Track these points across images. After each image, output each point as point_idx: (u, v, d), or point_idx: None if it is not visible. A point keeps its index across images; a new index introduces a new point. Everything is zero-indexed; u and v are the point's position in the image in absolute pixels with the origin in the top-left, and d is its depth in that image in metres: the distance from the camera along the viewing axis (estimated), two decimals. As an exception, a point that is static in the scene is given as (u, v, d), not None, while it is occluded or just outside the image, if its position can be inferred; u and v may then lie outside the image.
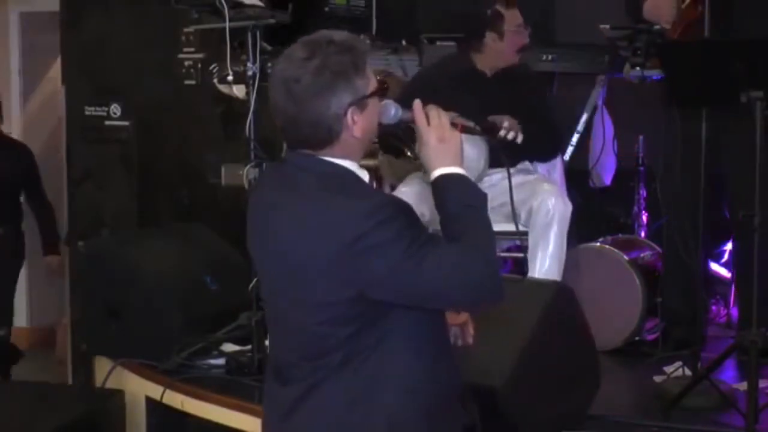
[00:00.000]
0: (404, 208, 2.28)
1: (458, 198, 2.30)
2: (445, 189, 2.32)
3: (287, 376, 2.41)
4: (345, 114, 2.28)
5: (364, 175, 2.37)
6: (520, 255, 4.57)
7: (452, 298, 2.27)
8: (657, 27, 4.19)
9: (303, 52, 2.29)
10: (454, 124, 2.37)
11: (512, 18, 4.38)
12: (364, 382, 2.32)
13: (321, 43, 2.29)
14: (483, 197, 2.33)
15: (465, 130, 2.43)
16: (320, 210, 2.28)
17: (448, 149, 2.32)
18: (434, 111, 2.34)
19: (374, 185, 2.44)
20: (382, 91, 2.35)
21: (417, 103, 2.35)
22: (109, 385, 4.38)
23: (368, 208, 2.24)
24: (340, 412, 2.34)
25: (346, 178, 2.33)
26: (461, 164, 2.32)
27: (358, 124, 2.30)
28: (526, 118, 4.17)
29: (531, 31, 4.44)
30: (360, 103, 2.30)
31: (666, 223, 4.26)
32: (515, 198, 3.98)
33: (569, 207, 4.28)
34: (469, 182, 2.33)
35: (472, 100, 4.24)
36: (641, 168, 5.06)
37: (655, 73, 4.26)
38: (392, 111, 2.37)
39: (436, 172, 2.32)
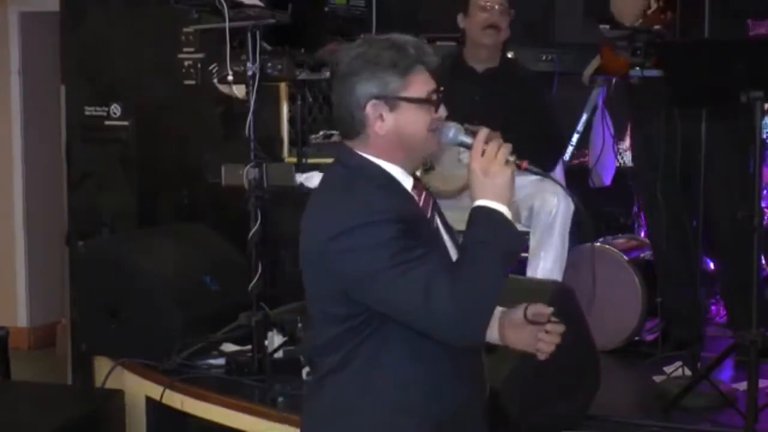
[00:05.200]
0: (408, 219, 2.24)
1: (477, 233, 2.24)
2: (472, 220, 2.28)
3: (313, 368, 2.47)
4: (365, 104, 2.28)
5: (405, 180, 2.35)
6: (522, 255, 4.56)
7: (411, 320, 2.22)
8: (656, 27, 4.20)
9: (359, 41, 2.34)
10: (517, 165, 2.30)
11: None
12: (357, 389, 2.31)
13: (379, 37, 2.33)
14: (506, 240, 2.24)
15: (523, 168, 2.33)
16: (323, 200, 2.31)
17: (490, 184, 2.26)
18: (494, 144, 2.28)
19: (423, 195, 2.37)
20: (423, 102, 2.30)
21: (483, 131, 2.32)
22: (109, 385, 4.38)
23: (365, 206, 2.23)
24: (332, 413, 2.35)
25: (370, 175, 2.31)
26: (503, 201, 2.25)
27: (385, 123, 2.29)
28: (518, 120, 4.16)
29: (512, 17, 4.37)
30: (389, 101, 2.29)
31: (666, 223, 4.26)
32: (515, 198, 3.98)
33: (571, 207, 4.29)
34: (496, 220, 2.25)
35: (461, 97, 4.24)
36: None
37: (652, 73, 4.28)
38: (450, 133, 2.33)
39: (474, 203, 2.28)
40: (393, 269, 2.17)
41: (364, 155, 2.32)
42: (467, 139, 2.32)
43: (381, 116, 2.29)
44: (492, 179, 2.26)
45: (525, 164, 2.31)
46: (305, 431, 2.45)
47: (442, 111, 2.34)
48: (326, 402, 2.36)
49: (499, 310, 2.43)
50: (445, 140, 2.34)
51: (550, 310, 2.35)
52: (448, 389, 2.32)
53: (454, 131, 2.33)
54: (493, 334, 2.43)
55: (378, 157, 2.32)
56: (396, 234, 2.20)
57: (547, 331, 2.36)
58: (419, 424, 2.30)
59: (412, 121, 2.31)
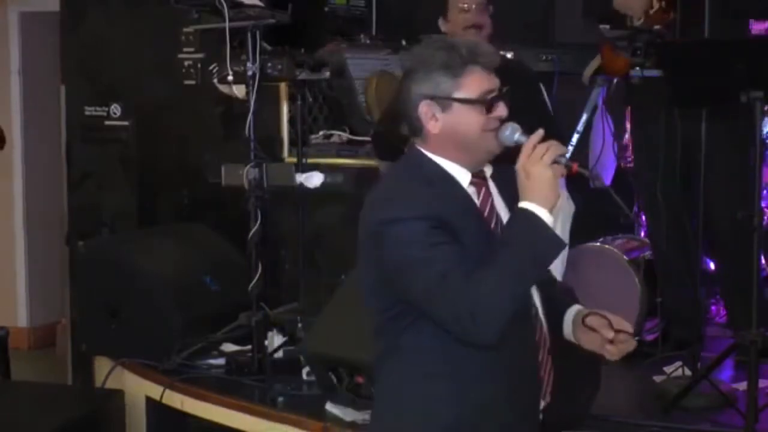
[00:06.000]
0: (444, 217, 2.27)
1: (508, 234, 2.28)
2: (509, 221, 2.33)
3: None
4: (419, 104, 2.34)
5: (463, 177, 2.37)
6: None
7: (430, 314, 2.27)
8: (656, 27, 4.20)
9: (420, 42, 2.46)
10: (567, 167, 2.30)
11: None
12: (397, 380, 2.38)
13: (436, 38, 2.43)
14: (534, 244, 2.25)
15: (574, 171, 2.33)
16: (373, 194, 2.38)
17: (531, 186, 2.28)
18: (543, 146, 2.29)
19: (482, 191, 2.39)
20: (475, 103, 2.33)
21: (537, 133, 2.32)
22: (109, 385, 4.38)
23: (400, 202, 2.29)
24: (379, 401, 2.48)
25: (423, 171, 2.36)
26: (544, 203, 2.27)
27: (439, 122, 2.34)
28: (516, 120, 4.14)
29: (491, 12, 4.26)
30: (440, 101, 2.33)
31: (666, 223, 4.26)
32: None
33: (572, 207, 4.28)
34: (530, 223, 2.26)
35: None
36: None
37: (652, 73, 4.28)
38: (507, 132, 2.35)
39: (519, 204, 2.30)
40: (415, 264, 2.23)
41: (424, 152, 2.38)
42: (523, 139, 2.33)
43: (434, 116, 2.34)
44: (532, 181, 2.27)
45: (576, 167, 2.30)
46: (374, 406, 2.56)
47: (501, 110, 2.36)
48: (378, 388, 2.48)
49: (575, 308, 2.46)
50: (502, 140, 2.35)
51: (611, 334, 2.36)
52: (478, 388, 2.33)
53: (510, 131, 2.35)
54: (568, 332, 2.46)
55: (436, 154, 2.37)
56: (424, 231, 2.24)
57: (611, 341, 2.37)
58: (447, 421, 2.33)
59: (465, 121, 2.34)
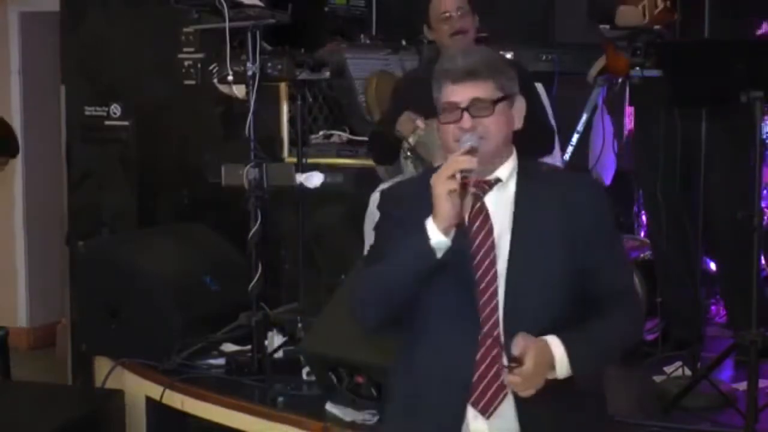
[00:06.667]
0: (406, 216, 2.43)
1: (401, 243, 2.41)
2: None
3: None
4: None
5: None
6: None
7: None
8: (657, 27, 4.21)
9: None
10: (464, 181, 2.35)
11: (437, 5, 4.11)
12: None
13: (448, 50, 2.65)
14: (405, 252, 2.38)
15: (470, 187, 2.41)
16: None
17: (433, 201, 2.37)
18: (450, 162, 2.36)
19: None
20: (442, 116, 2.49)
21: (463, 148, 2.41)
22: (109, 385, 4.38)
23: (387, 194, 2.61)
24: None
25: (432, 170, 2.48)
26: (435, 215, 2.34)
27: (440, 128, 2.53)
28: None
29: (474, 14, 4.15)
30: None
31: (666, 223, 4.26)
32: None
33: None
34: (414, 236, 2.36)
35: None
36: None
37: (652, 73, 4.28)
38: (460, 141, 2.46)
39: None
40: (368, 253, 2.57)
41: None
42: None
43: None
44: (433, 196, 2.35)
45: (470, 182, 2.38)
46: None
47: (465, 122, 2.44)
48: None
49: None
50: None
51: (516, 352, 2.33)
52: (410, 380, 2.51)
53: (461, 140, 2.44)
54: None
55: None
56: (384, 226, 2.51)
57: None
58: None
59: (442, 130, 2.50)
